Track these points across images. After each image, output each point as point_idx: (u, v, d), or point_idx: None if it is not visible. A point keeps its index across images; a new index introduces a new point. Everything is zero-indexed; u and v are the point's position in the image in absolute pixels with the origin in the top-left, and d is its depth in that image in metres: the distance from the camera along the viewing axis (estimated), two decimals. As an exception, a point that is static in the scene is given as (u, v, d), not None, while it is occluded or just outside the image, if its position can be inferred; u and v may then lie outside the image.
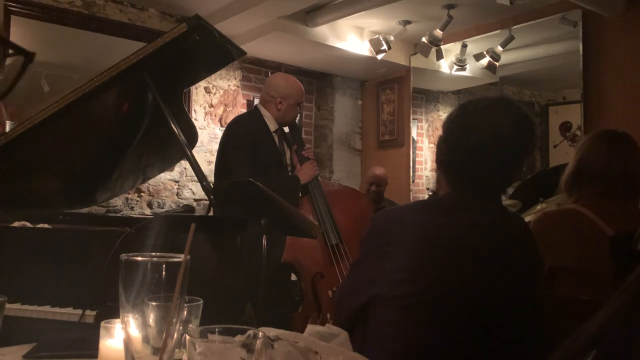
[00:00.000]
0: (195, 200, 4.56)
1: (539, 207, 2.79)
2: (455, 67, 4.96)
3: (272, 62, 5.04)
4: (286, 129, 2.98)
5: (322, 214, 2.69)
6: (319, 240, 2.60)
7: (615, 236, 1.53)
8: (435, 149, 1.38)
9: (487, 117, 1.25)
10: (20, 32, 3.75)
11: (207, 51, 2.04)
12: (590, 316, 0.65)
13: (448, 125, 1.31)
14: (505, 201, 3.05)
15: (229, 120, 3.91)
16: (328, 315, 2.39)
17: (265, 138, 2.84)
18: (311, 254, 2.61)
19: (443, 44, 4.60)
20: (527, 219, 2.37)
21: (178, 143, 1.99)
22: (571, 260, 1.67)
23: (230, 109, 4.78)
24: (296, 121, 3.00)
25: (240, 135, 2.80)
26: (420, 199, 5.21)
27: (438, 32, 4.42)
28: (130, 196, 4.26)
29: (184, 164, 4.30)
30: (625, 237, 1.22)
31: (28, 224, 1.80)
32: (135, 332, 0.71)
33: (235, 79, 4.86)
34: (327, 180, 5.15)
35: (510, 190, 3.18)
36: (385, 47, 4.65)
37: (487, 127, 1.23)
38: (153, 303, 0.70)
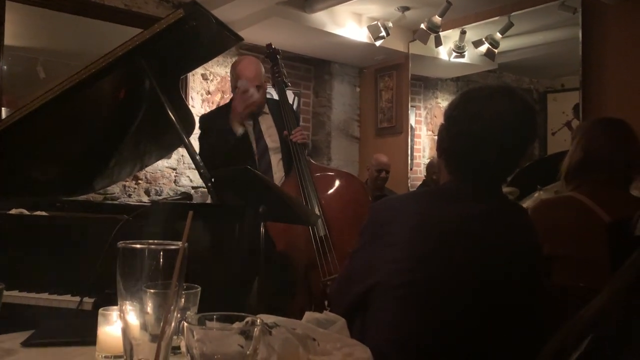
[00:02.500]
0: (193, 187, 4.55)
1: (536, 194, 2.79)
2: (454, 54, 4.94)
3: (269, 49, 5.01)
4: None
5: (310, 202, 2.62)
6: (309, 230, 2.55)
7: (613, 222, 1.53)
8: (433, 137, 1.37)
9: (490, 105, 1.24)
10: (15, 19, 3.71)
11: (204, 37, 2.03)
12: (586, 302, 0.66)
13: (450, 113, 1.30)
14: (503, 188, 3.04)
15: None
16: (326, 303, 2.38)
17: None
18: (302, 245, 2.56)
19: (442, 31, 4.57)
20: (525, 206, 2.38)
21: (175, 130, 1.98)
22: (569, 247, 1.67)
23: (228, 95, 4.76)
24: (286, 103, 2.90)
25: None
26: (418, 186, 5.21)
27: (437, 19, 4.39)
28: (127, 184, 4.25)
29: (182, 151, 4.29)
30: (622, 223, 1.22)
31: (25, 212, 1.80)
32: (133, 320, 0.71)
33: (233, 65, 4.83)
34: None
35: (507, 178, 3.18)
36: (383, 33, 4.62)
37: (489, 116, 1.22)
38: (151, 290, 0.70)
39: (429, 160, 5.28)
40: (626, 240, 1.18)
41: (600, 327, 0.59)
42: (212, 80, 4.72)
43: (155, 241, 0.73)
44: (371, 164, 4.64)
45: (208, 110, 4.60)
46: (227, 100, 3.15)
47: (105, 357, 0.97)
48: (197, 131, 2.73)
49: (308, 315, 1.03)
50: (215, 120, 2.86)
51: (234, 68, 2.86)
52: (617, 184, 1.77)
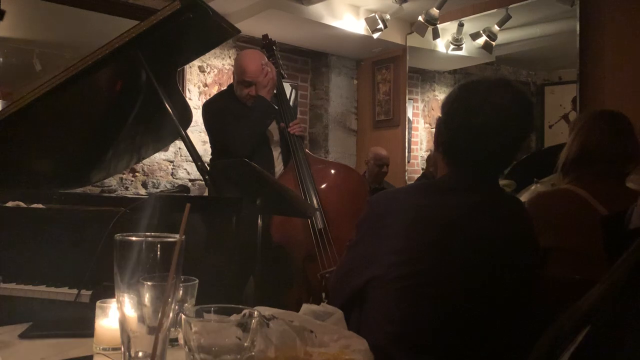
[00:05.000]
0: (190, 180, 4.55)
1: (533, 187, 2.80)
2: (452, 46, 4.92)
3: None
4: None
5: (309, 194, 2.62)
6: (307, 223, 2.55)
7: (607, 216, 1.54)
8: (431, 130, 1.37)
9: (488, 98, 1.24)
10: (11, 9, 3.69)
11: (201, 29, 2.02)
12: (582, 295, 0.66)
13: (448, 106, 1.30)
14: (500, 181, 3.05)
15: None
16: (323, 295, 2.38)
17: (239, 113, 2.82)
18: (300, 237, 2.56)
19: (439, 23, 4.56)
20: (522, 199, 2.38)
21: (172, 123, 1.98)
22: (565, 240, 1.68)
23: (225, 88, 4.74)
24: (285, 97, 2.90)
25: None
26: (417, 178, 5.22)
27: (434, 11, 4.38)
28: (124, 176, 4.25)
29: (179, 143, 4.28)
30: (617, 216, 1.23)
31: (22, 204, 1.80)
32: (131, 312, 0.71)
33: (230, 57, 4.82)
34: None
35: (505, 170, 3.18)
36: (381, 25, 4.61)
37: (488, 109, 1.22)
38: (148, 283, 0.70)
39: (427, 153, 5.29)
40: (620, 234, 1.18)
41: (598, 317, 0.59)
42: (209, 73, 4.70)
43: (153, 233, 0.73)
44: (370, 158, 4.60)
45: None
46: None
47: (102, 349, 0.98)
48: (194, 126, 2.71)
49: (305, 307, 1.04)
50: (224, 99, 2.87)
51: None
52: (613, 177, 1.77)
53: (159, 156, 4.37)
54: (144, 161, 4.10)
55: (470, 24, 4.71)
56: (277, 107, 2.74)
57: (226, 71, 4.78)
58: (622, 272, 0.61)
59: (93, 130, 2.20)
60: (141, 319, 0.71)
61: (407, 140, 5.27)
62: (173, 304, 0.71)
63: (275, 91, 2.89)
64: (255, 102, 2.69)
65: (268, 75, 2.72)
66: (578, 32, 3.88)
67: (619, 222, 1.19)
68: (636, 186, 1.89)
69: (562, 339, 0.60)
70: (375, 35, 4.71)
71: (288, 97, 3.92)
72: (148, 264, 0.70)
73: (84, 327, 1.03)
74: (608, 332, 0.57)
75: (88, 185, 2.74)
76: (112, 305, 0.97)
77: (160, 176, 4.44)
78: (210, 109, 2.88)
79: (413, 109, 5.39)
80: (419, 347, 1.15)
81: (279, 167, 2.84)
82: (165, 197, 1.98)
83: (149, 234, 0.73)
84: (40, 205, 1.82)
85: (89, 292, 1.53)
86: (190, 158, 2.45)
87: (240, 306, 0.73)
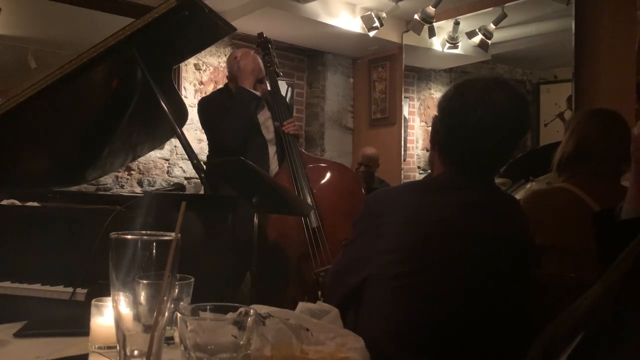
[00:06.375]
0: (185, 178, 4.54)
1: (528, 185, 2.80)
2: (448, 44, 4.93)
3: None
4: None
5: (303, 193, 2.62)
6: (301, 222, 2.55)
7: (598, 212, 1.54)
8: (427, 128, 1.37)
9: (485, 97, 1.24)
10: (6, 7, 3.67)
11: (197, 27, 2.02)
12: (577, 293, 0.66)
13: (445, 105, 1.30)
14: (496, 180, 3.05)
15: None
16: (319, 293, 2.38)
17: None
18: (295, 236, 2.55)
19: (435, 22, 4.56)
20: (517, 197, 2.39)
21: (168, 121, 1.98)
22: (560, 238, 1.68)
23: (221, 86, 4.74)
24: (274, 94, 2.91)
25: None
26: (412, 177, 5.23)
27: (430, 9, 4.38)
28: (120, 174, 4.24)
29: (174, 142, 4.26)
30: (607, 212, 1.23)
31: (17, 202, 1.79)
32: (126, 310, 0.71)
33: (226, 55, 4.80)
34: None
35: (500, 169, 3.18)
36: (377, 24, 4.61)
37: (485, 107, 1.22)
38: (144, 281, 0.70)
39: (424, 152, 5.30)
40: (612, 229, 1.18)
41: (596, 318, 0.59)
42: (204, 71, 4.69)
43: (148, 232, 0.73)
44: (357, 157, 4.68)
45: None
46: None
47: (98, 348, 0.97)
48: (190, 124, 2.71)
49: (301, 305, 1.04)
50: (219, 96, 2.89)
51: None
52: (609, 176, 1.78)
53: (155, 154, 4.36)
54: (140, 159, 4.10)
55: (466, 23, 4.71)
56: (258, 94, 2.74)
57: (222, 69, 4.77)
58: (620, 272, 0.61)
59: (89, 128, 2.19)
60: (137, 317, 0.71)
61: (403, 138, 5.27)
62: (169, 303, 0.71)
63: (270, 88, 2.89)
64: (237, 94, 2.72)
65: (240, 65, 2.75)
66: (573, 31, 3.89)
67: (609, 217, 1.19)
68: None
69: (560, 339, 0.61)
70: (372, 34, 4.71)
71: (284, 95, 3.92)
72: (144, 262, 0.70)
73: (80, 325, 1.02)
74: (607, 333, 0.57)
75: (83, 184, 2.73)
76: (107, 303, 0.97)
77: (156, 174, 4.43)
78: (205, 103, 2.91)
79: (409, 107, 5.39)
80: (415, 345, 1.15)
81: (274, 165, 2.84)
82: (160, 196, 1.98)
83: (144, 232, 0.73)
84: (35, 204, 1.81)
85: (84, 291, 1.53)
86: (186, 156, 2.45)
87: (236, 304, 0.73)
